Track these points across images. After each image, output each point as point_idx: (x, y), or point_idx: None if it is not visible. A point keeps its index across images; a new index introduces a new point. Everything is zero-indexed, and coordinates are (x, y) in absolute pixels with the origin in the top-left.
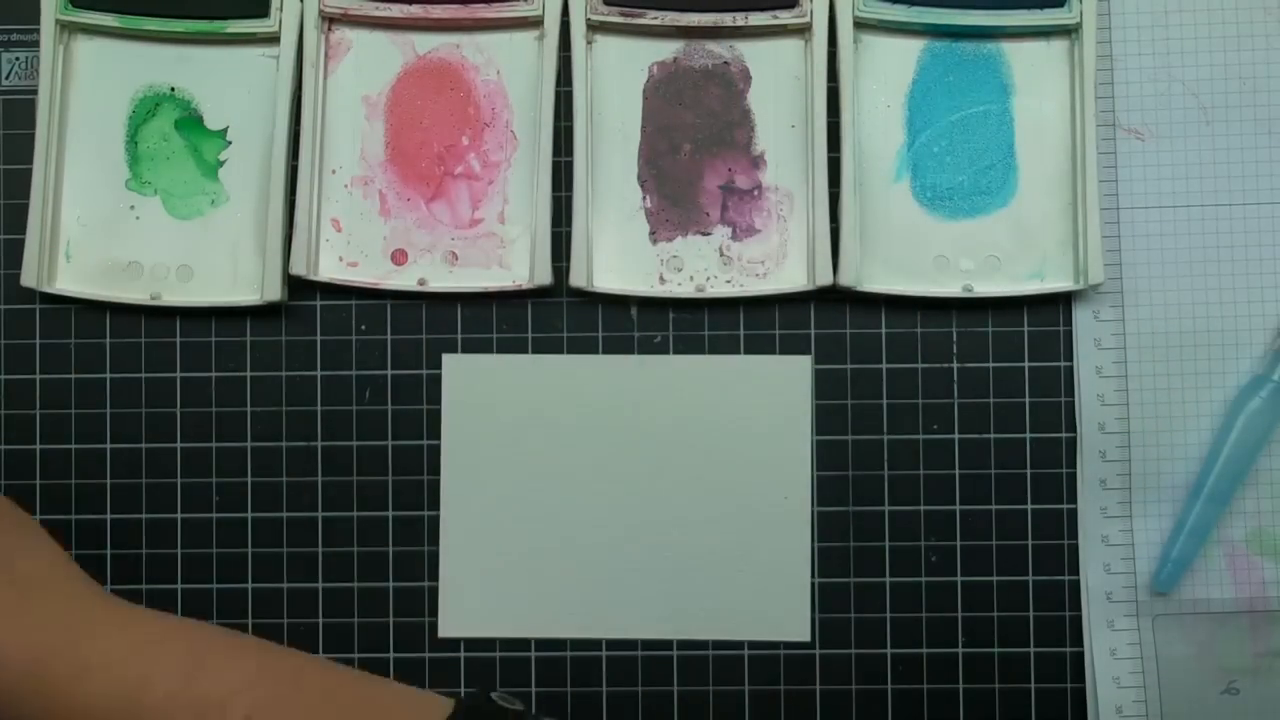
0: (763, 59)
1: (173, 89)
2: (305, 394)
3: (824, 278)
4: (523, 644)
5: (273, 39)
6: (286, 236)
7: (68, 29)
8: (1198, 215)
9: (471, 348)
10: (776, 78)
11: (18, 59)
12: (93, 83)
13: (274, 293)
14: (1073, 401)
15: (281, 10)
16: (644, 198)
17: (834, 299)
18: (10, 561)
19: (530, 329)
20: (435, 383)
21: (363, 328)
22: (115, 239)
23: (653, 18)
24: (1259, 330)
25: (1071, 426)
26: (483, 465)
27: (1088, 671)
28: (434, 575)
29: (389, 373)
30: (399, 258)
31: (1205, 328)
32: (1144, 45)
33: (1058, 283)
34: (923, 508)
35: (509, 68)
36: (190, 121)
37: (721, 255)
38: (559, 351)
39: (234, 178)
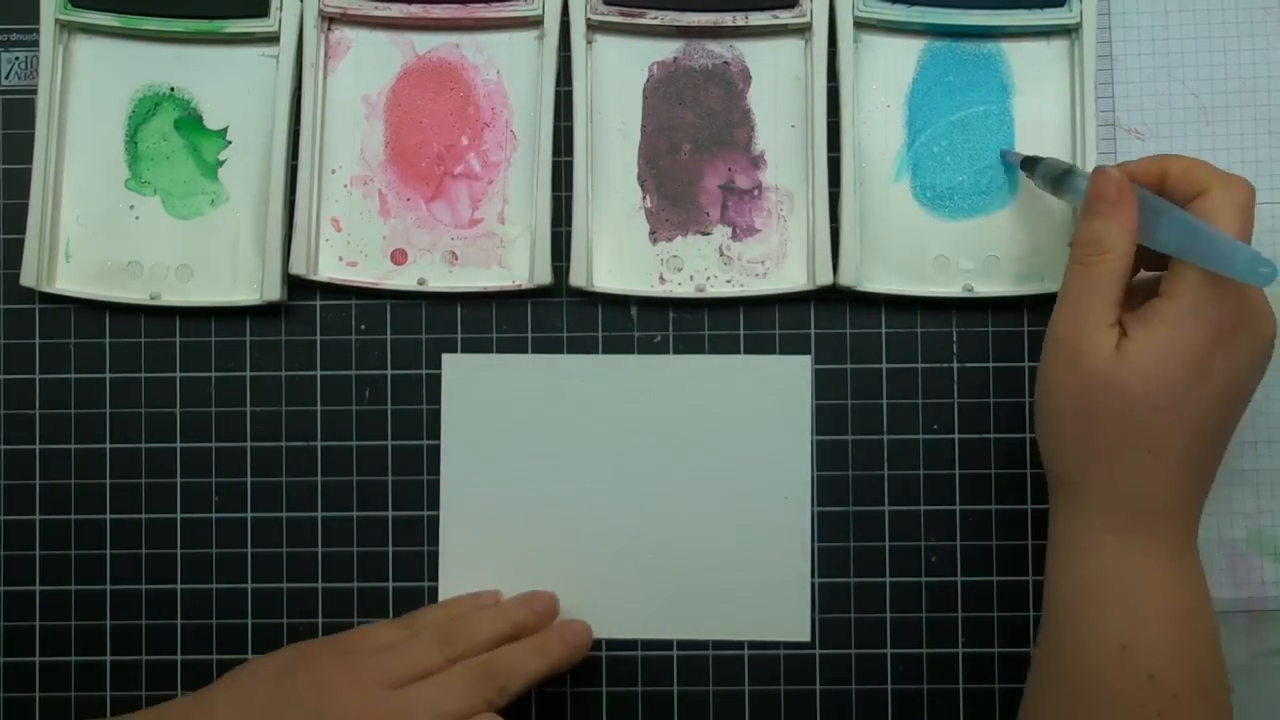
0: (763, 59)
1: (172, 89)
2: (305, 394)
3: (824, 277)
4: None
5: (272, 39)
6: (286, 236)
7: (67, 29)
8: None
9: (471, 347)
10: (776, 77)
11: (18, 59)
12: (92, 82)
13: (274, 292)
14: None
15: (281, 10)
16: (644, 198)
17: (834, 299)
18: None
19: (530, 329)
20: (435, 382)
21: (362, 327)
22: (115, 239)
23: (653, 17)
24: None
25: None
26: (482, 465)
27: None
28: (434, 575)
29: (389, 373)
30: (399, 257)
31: None
32: (1144, 45)
33: (1058, 283)
34: (923, 508)
35: (509, 67)
36: (190, 121)
37: (721, 255)
38: (559, 351)
39: (233, 177)
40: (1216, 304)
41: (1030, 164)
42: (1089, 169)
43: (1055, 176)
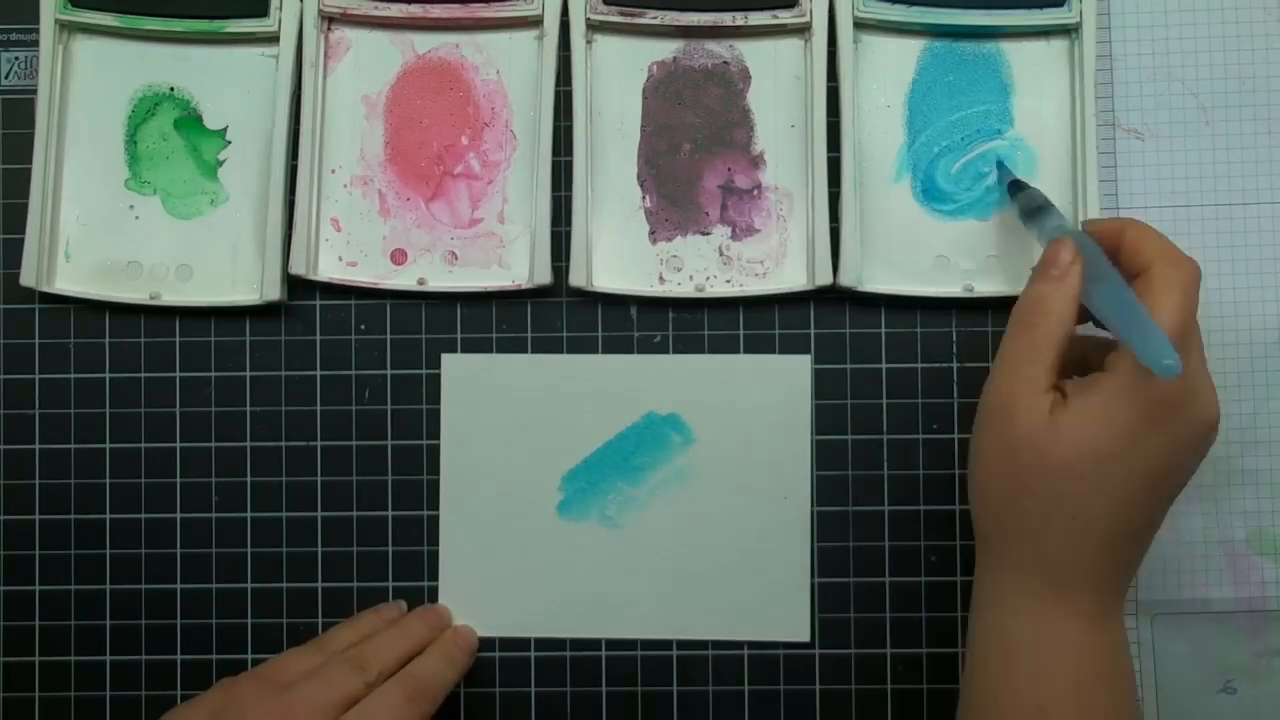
0: (762, 59)
1: (172, 89)
2: (305, 394)
3: (824, 277)
4: (523, 644)
5: (272, 39)
6: (286, 236)
7: (67, 28)
8: (1198, 215)
9: (471, 347)
10: (776, 77)
11: (17, 59)
12: (92, 82)
13: (273, 292)
14: None
15: (281, 10)
16: (644, 197)
17: (834, 299)
18: None
19: (530, 329)
20: (434, 382)
21: (362, 327)
22: (114, 239)
23: (652, 17)
24: (1259, 330)
25: None
26: (482, 465)
27: None
28: (434, 575)
29: (388, 372)
30: (398, 257)
31: (1205, 328)
32: (1144, 45)
33: None
34: (922, 507)
35: (509, 67)
36: (189, 121)
37: (721, 255)
38: (559, 351)
39: (233, 177)
40: (1156, 383)
41: (1015, 188)
42: (1089, 169)
43: (1030, 209)
